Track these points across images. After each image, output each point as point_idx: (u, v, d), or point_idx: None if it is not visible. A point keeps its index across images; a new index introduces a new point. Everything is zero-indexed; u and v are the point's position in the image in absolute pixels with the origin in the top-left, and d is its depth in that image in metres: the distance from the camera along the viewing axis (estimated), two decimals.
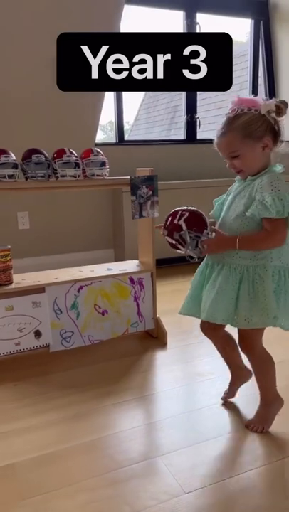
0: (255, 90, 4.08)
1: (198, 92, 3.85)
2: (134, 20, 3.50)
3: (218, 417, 1.55)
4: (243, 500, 1.18)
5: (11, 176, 1.85)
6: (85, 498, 1.20)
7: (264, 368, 1.45)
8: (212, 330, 1.52)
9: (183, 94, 3.84)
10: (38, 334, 2.00)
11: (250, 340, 1.41)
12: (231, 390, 1.64)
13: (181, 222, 1.36)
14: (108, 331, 2.16)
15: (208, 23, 3.71)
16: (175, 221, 1.37)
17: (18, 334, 1.96)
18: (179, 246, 1.37)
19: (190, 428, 1.50)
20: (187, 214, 1.39)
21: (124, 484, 1.24)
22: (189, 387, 1.77)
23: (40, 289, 1.99)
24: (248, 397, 1.61)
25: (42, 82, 3.00)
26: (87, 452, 1.38)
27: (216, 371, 1.84)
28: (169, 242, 1.39)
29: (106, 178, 2.02)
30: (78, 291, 2.08)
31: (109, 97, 3.42)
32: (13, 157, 1.88)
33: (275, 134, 1.31)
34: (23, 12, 2.75)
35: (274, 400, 1.48)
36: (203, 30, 3.66)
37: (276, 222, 1.26)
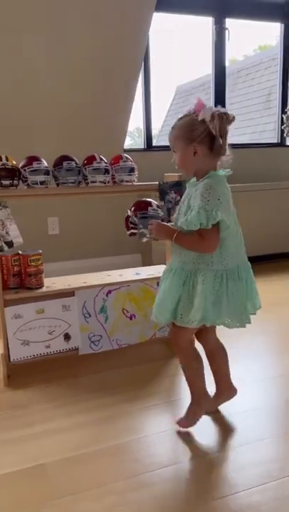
0: (285, 94, 4.03)
1: (226, 96, 3.84)
2: (163, 28, 3.54)
3: (249, 424, 1.53)
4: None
5: (42, 183, 1.90)
6: (112, 501, 1.20)
7: (186, 365, 1.53)
8: (200, 336, 1.56)
9: (211, 100, 3.83)
10: (67, 337, 2.04)
11: (177, 335, 1.48)
12: (212, 403, 1.60)
13: (129, 212, 1.52)
14: (136, 335, 2.17)
15: (237, 28, 3.70)
16: (126, 215, 1.49)
17: (49, 337, 2.00)
18: (135, 231, 1.45)
19: (220, 434, 1.49)
20: (132, 204, 1.47)
21: (153, 488, 1.24)
22: None
23: (69, 293, 2.02)
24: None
25: (73, 91, 3.07)
26: (115, 455, 1.40)
27: (245, 377, 1.82)
28: (129, 234, 1.46)
29: (135, 183, 2.04)
30: (107, 295, 2.10)
31: (137, 103, 3.46)
32: (45, 164, 1.93)
33: (213, 143, 1.32)
34: (55, 21, 2.82)
35: (196, 400, 1.52)
36: (232, 36, 3.65)
37: (204, 231, 1.31)
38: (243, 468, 1.32)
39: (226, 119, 1.30)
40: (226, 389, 1.60)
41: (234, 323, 1.42)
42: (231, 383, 1.61)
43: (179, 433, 1.49)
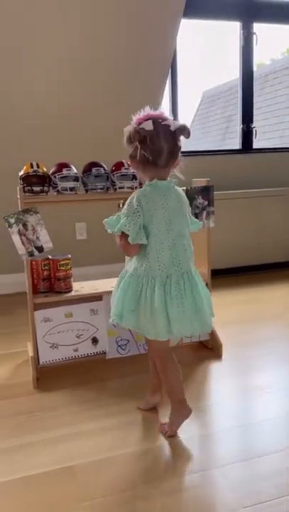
0: None
1: (254, 101, 3.82)
2: (190, 33, 3.55)
3: (278, 432, 1.51)
4: None
5: (72, 189, 1.94)
6: (141, 506, 1.21)
7: (162, 375, 1.53)
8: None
9: (239, 104, 3.81)
10: (95, 341, 2.06)
11: (150, 346, 1.55)
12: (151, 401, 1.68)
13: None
14: None
15: (264, 31, 3.68)
16: None
17: (77, 340, 2.03)
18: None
19: (248, 442, 1.47)
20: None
21: (181, 494, 1.24)
22: (246, 400, 1.74)
23: (97, 297, 2.05)
24: None
25: (101, 100, 3.12)
26: (143, 459, 1.40)
27: (275, 385, 1.79)
28: None
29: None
30: None
31: (164, 109, 3.48)
32: (75, 170, 1.97)
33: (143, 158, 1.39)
34: (83, 29, 2.88)
35: (176, 407, 1.52)
36: (259, 41, 3.63)
37: (120, 235, 1.45)
38: (271, 477, 1.29)
39: (134, 134, 1.39)
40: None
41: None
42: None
43: (203, 439, 1.48)
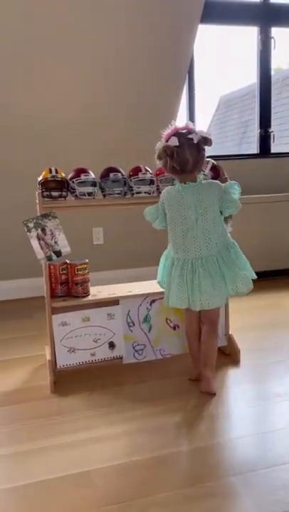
0: None
1: (272, 106, 3.79)
2: (207, 39, 3.56)
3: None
4: None
5: (90, 194, 1.96)
6: None
7: (214, 339, 1.85)
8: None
9: (256, 109, 3.79)
10: (112, 345, 2.06)
11: (214, 312, 1.83)
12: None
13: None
14: (179, 345, 2.16)
15: (281, 35, 3.66)
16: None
17: (94, 345, 2.03)
18: None
19: (267, 449, 1.44)
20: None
21: (199, 502, 1.22)
22: (265, 407, 1.71)
23: (114, 302, 2.05)
24: None
25: (118, 104, 3.14)
26: (160, 466, 1.39)
27: None
28: None
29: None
30: (150, 305, 2.11)
31: (181, 114, 3.48)
32: (93, 175, 1.98)
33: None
34: (101, 33, 2.91)
35: (212, 371, 1.84)
36: (277, 45, 3.61)
37: None
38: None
39: (160, 154, 1.69)
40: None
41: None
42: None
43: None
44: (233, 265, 1.73)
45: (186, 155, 1.66)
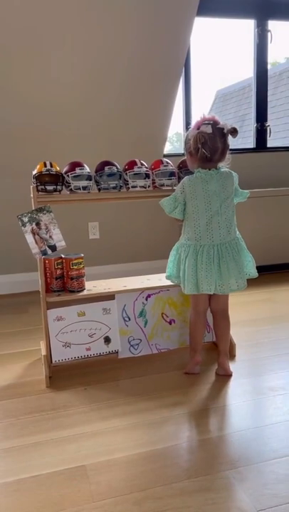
0: None
1: (268, 100, 3.78)
2: (203, 32, 3.53)
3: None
4: None
5: (85, 188, 1.94)
6: (152, 507, 1.19)
7: (229, 321, 1.93)
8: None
9: (253, 103, 3.78)
10: (107, 340, 2.06)
11: (225, 298, 1.91)
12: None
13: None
14: (175, 340, 2.16)
15: (278, 29, 3.63)
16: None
17: (89, 339, 2.03)
18: None
19: (262, 444, 1.44)
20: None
21: (193, 496, 1.23)
22: (260, 401, 1.71)
23: (110, 296, 2.04)
24: None
25: (114, 97, 3.12)
26: (155, 460, 1.39)
27: (288, 386, 1.76)
28: None
29: (174, 188, 2.04)
30: (146, 300, 2.11)
31: (176, 108, 3.46)
32: (87, 169, 1.96)
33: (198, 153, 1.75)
34: (95, 27, 2.88)
35: (227, 350, 1.97)
36: (274, 38, 3.59)
37: None
38: (287, 480, 1.27)
39: (194, 137, 1.74)
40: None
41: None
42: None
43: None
44: (245, 251, 1.86)
45: (217, 143, 1.74)
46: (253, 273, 1.88)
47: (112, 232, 3.48)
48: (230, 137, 1.79)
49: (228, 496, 1.22)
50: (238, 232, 1.87)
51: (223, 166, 1.84)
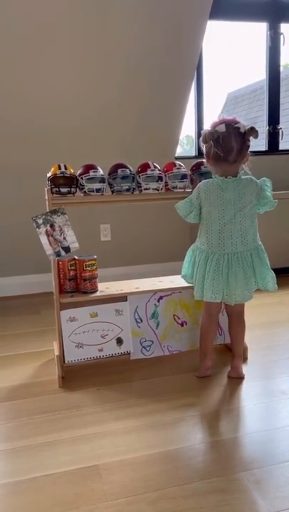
0: None
1: (280, 102, 3.77)
2: (216, 35, 3.53)
3: None
4: None
5: (98, 190, 1.96)
6: (166, 507, 1.20)
7: (244, 326, 1.95)
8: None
9: (265, 105, 3.77)
10: (119, 341, 2.07)
11: (241, 305, 1.90)
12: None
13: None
14: (187, 342, 2.17)
15: None
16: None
17: (102, 340, 2.04)
18: None
19: (275, 446, 1.44)
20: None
21: (206, 497, 1.23)
22: (272, 404, 1.71)
23: (122, 298, 2.05)
24: None
25: (127, 101, 3.14)
26: (168, 461, 1.39)
27: None
28: None
29: (187, 190, 2.05)
30: (158, 301, 2.11)
31: (188, 111, 3.47)
32: (101, 172, 1.98)
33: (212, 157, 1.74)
34: (108, 30, 2.91)
35: (241, 354, 1.97)
36: (287, 41, 3.58)
37: None
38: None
39: (203, 137, 1.73)
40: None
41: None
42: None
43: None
44: (263, 263, 1.81)
45: (231, 142, 1.69)
46: (270, 286, 1.81)
47: (124, 234, 3.49)
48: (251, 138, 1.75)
49: (242, 497, 1.22)
50: (259, 243, 1.82)
51: (244, 168, 1.80)
